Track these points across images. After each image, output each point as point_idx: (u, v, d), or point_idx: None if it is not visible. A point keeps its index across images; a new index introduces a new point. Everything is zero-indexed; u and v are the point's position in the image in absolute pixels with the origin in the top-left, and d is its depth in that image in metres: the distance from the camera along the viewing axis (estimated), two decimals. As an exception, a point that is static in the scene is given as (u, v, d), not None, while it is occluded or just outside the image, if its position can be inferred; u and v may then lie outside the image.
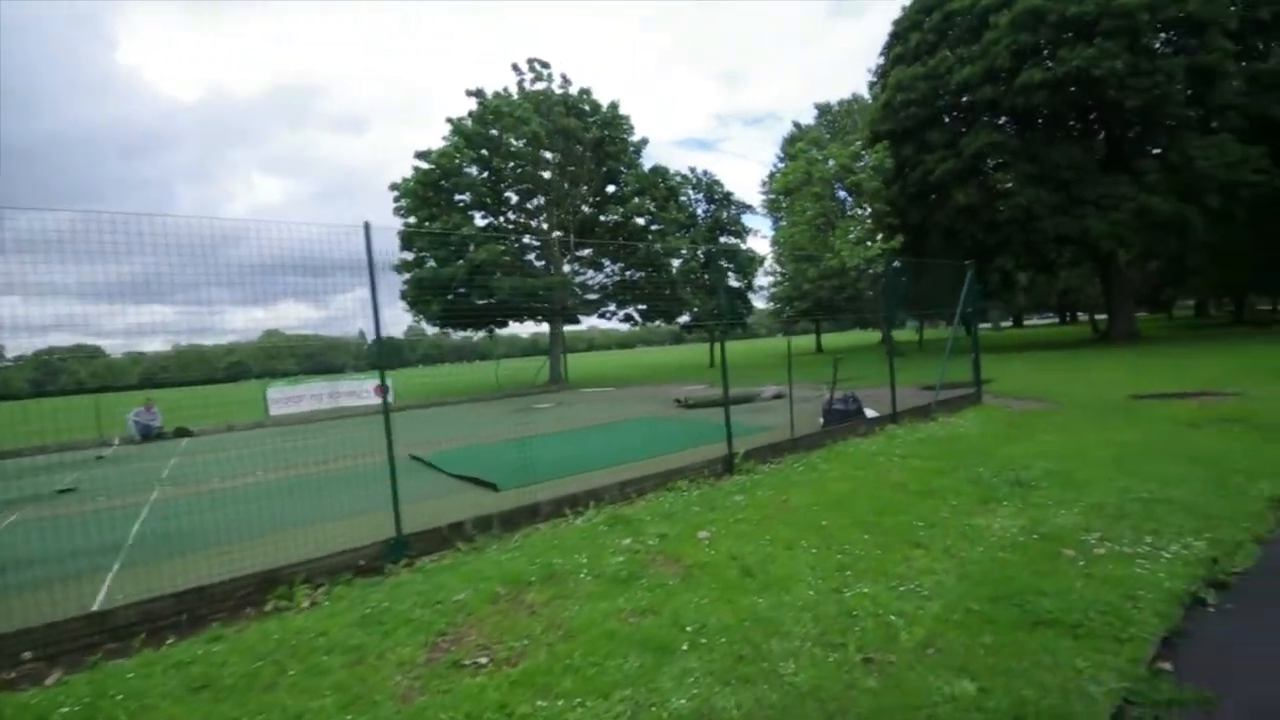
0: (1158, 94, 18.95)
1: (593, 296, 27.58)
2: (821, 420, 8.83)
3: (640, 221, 27.10)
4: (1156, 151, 21.40)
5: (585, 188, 26.54)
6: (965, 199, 21.90)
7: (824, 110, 43.33)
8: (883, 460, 6.85)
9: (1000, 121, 22.75)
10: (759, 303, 36.23)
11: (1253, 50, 20.44)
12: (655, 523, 5.55)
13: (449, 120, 25.61)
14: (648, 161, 27.55)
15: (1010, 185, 21.91)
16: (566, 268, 26.66)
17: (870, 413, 9.09)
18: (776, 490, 6.13)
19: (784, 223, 32.53)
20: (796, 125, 40.77)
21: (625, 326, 28.74)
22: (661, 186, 26.58)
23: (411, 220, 25.33)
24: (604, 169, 26.47)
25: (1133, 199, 20.17)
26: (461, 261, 23.54)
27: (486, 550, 5.48)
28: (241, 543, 5.69)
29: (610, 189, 27.32)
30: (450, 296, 24.36)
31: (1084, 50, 18.79)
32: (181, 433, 17.63)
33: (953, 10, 23.34)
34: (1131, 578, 3.52)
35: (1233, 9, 19.12)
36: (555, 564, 4.79)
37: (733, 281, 30.50)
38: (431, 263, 25.75)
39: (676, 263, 28.34)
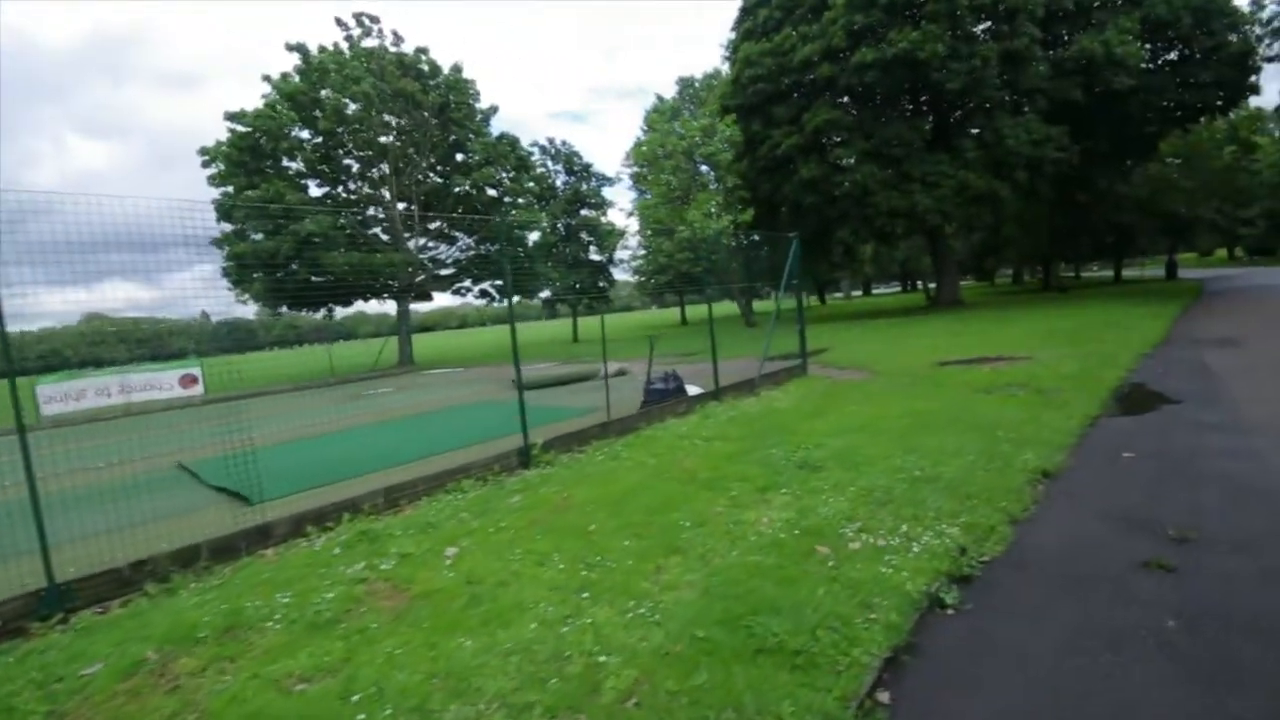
0: (974, 77, 20.33)
1: (446, 272, 25.56)
2: (642, 400, 8.29)
3: (492, 193, 25.34)
4: (975, 131, 23.16)
5: (431, 156, 24.16)
6: (809, 173, 22.55)
7: (686, 84, 43.14)
8: (686, 445, 6.38)
9: (840, 100, 23.53)
10: (626, 275, 35.90)
11: (1058, 38, 22.47)
12: (406, 538, 4.67)
13: (266, 78, 22.22)
14: (522, 134, 25.79)
15: (850, 161, 22.82)
16: (416, 241, 24.33)
17: (693, 389, 8.69)
18: (563, 486, 5.44)
19: (648, 195, 32.23)
20: (659, 98, 40.23)
21: (481, 302, 27.09)
22: (511, 156, 24.87)
23: (229, 190, 21.87)
24: (451, 137, 24.27)
25: (953, 176, 21.72)
26: (290, 235, 20.68)
27: (180, 592, 4.33)
28: None
29: (460, 158, 25.11)
30: (281, 274, 21.46)
31: (910, 33, 19.70)
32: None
33: (797, -12, 23.74)
34: (875, 580, 3.13)
35: (1038, -1, 20.81)
36: (246, 609, 3.77)
37: (593, 255, 29.63)
38: (258, 236, 22.52)
39: (535, 236, 26.97)
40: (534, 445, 6.31)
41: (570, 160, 30.32)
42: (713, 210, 23.38)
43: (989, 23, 21.65)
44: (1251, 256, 52.99)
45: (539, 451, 6.30)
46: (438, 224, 24.64)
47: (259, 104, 22.06)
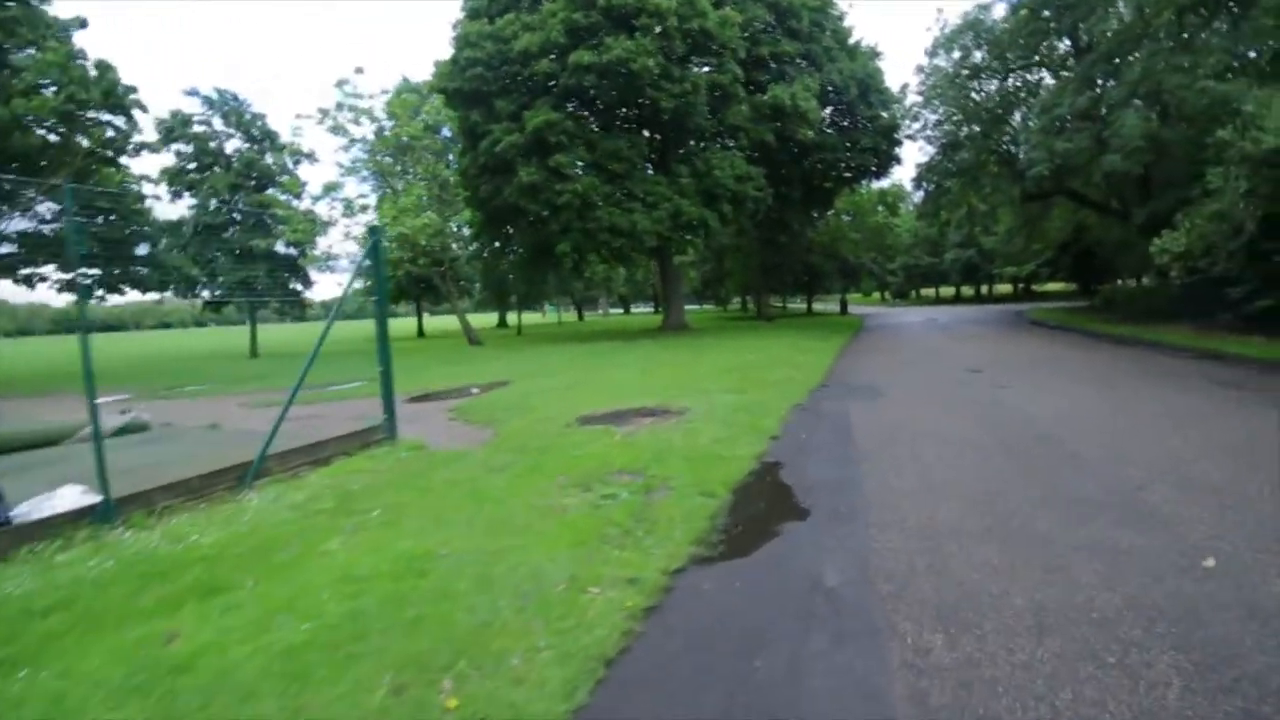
0: (686, 101, 19.10)
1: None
2: None
3: (86, 141, 16.98)
4: (690, 158, 22.23)
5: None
6: (529, 177, 19.30)
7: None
8: None
9: (566, 103, 20.77)
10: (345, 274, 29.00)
11: (758, 85, 22.52)
12: None
13: None
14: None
15: (572, 170, 20.11)
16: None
17: (60, 504, 4.21)
18: None
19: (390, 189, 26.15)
20: (406, 79, 33.99)
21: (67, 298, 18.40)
22: (96, 88, 16.59)
23: None
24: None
25: (669, 200, 20.35)
26: None
27: None
28: None
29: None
30: None
31: (624, 41, 17.64)
32: None
33: (522, -26, 20.45)
34: None
35: (743, 38, 20.34)
36: None
37: (280, 247, 22.37)
38: None
39: (176, 212, 19.23)
40: None
41: (245, 122, 22.51)
42: (403, 202, 18.60)
43: (699, 56, 20.72)
44: (895, 298, 65.07)
45: None
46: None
47: None
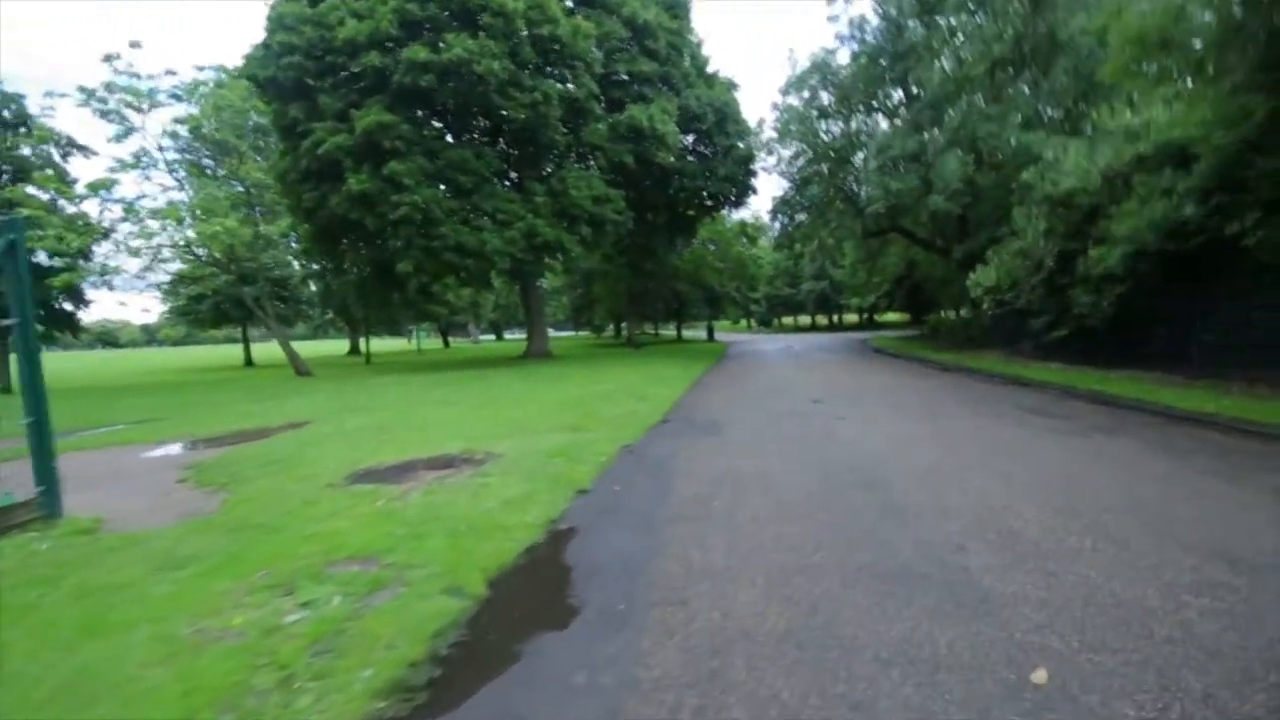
0: (538, 112, 18.14)
1: None
2: None
3: None
4: (546, 174, 21.27)
5: None
6: (360, 186, 17.12)
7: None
8: None
9: (408, 106, 18.88)
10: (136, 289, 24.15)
11: (615, 103, 22.19)
12: None
13: None
14: None
15: (411, 180, 18.20)
16: None
17: None
18: None
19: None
20: (224, 69, 29.71)
21: None
22: None
23: None
24: None
25: (523, 219, 19.16)
26: None
27: None
28: None
29: None
30: None
31: (466, 40, 16.36)
32: None
33: (351, -42, 18.42)
34: None
35: (598, 54, 19.87)
36: None
37: (43, 258, 17.56)
38: None
39: None
40: None
41: (-12, 99, 17.63)
42: (217, 207, 15.67)
43: (553, 66, 19.92)
44: (760, 326, 68.87)
45: None
46: None
47: None
